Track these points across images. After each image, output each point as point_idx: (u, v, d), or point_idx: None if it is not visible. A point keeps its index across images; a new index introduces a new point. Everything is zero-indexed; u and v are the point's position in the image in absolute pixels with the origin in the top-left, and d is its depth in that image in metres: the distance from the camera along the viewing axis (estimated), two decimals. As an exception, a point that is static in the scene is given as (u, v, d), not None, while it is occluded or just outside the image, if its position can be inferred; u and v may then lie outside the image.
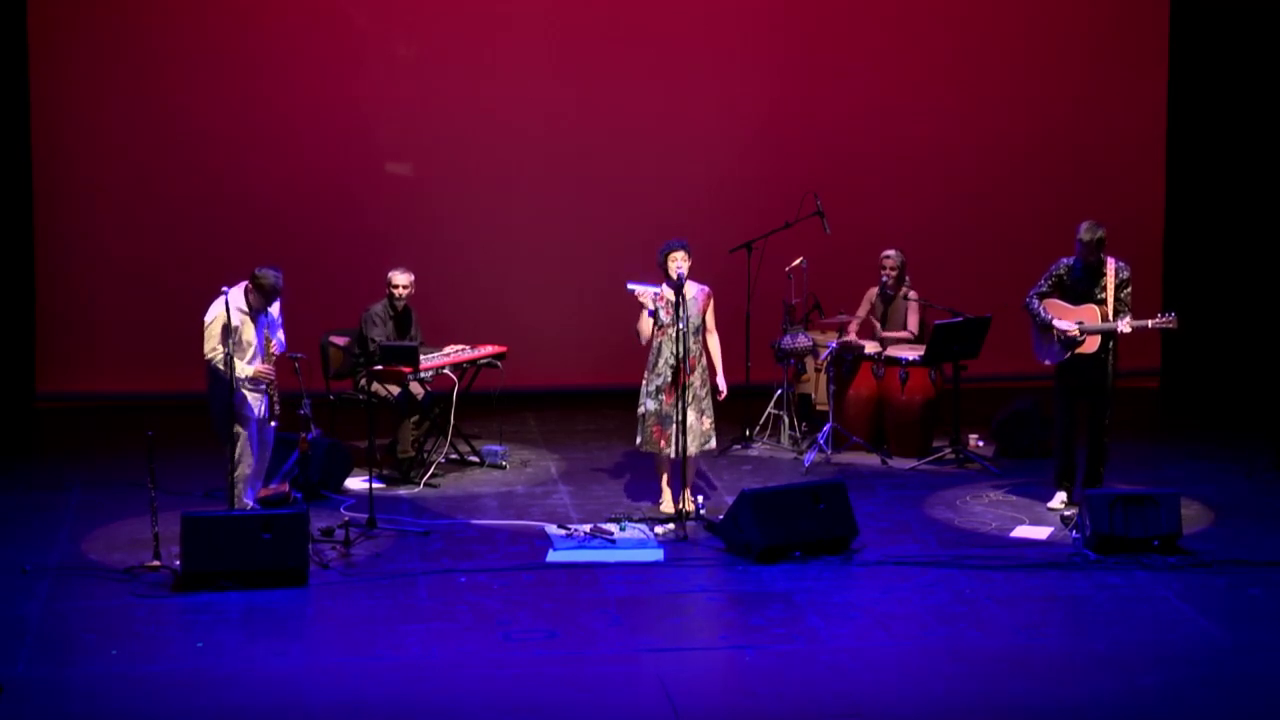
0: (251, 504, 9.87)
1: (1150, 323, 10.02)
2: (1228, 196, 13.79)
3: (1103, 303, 10.05)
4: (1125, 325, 9.97)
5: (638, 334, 10.11)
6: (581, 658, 8.09)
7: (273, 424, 9.84)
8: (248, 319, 9.69)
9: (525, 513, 10.39)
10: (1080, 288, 10.11)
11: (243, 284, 9.72)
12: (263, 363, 9.74)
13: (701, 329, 10.17)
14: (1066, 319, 10.09)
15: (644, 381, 10.19)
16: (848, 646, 8.21)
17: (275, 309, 9.88)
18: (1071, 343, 10.08)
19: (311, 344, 11.10)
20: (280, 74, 13.21)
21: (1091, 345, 10.07)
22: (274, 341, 9.80)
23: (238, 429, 9.73)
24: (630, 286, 10.03)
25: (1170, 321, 10.05)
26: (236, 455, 9.74)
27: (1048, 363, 10.26)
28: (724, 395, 10.27)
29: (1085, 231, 10.03)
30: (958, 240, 13.69)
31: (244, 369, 9.66)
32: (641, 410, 10.18)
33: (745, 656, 8.13)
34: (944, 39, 13.70)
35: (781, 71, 13.63)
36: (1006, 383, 12.96)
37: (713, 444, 10.32)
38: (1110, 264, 10.08)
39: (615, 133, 13.51)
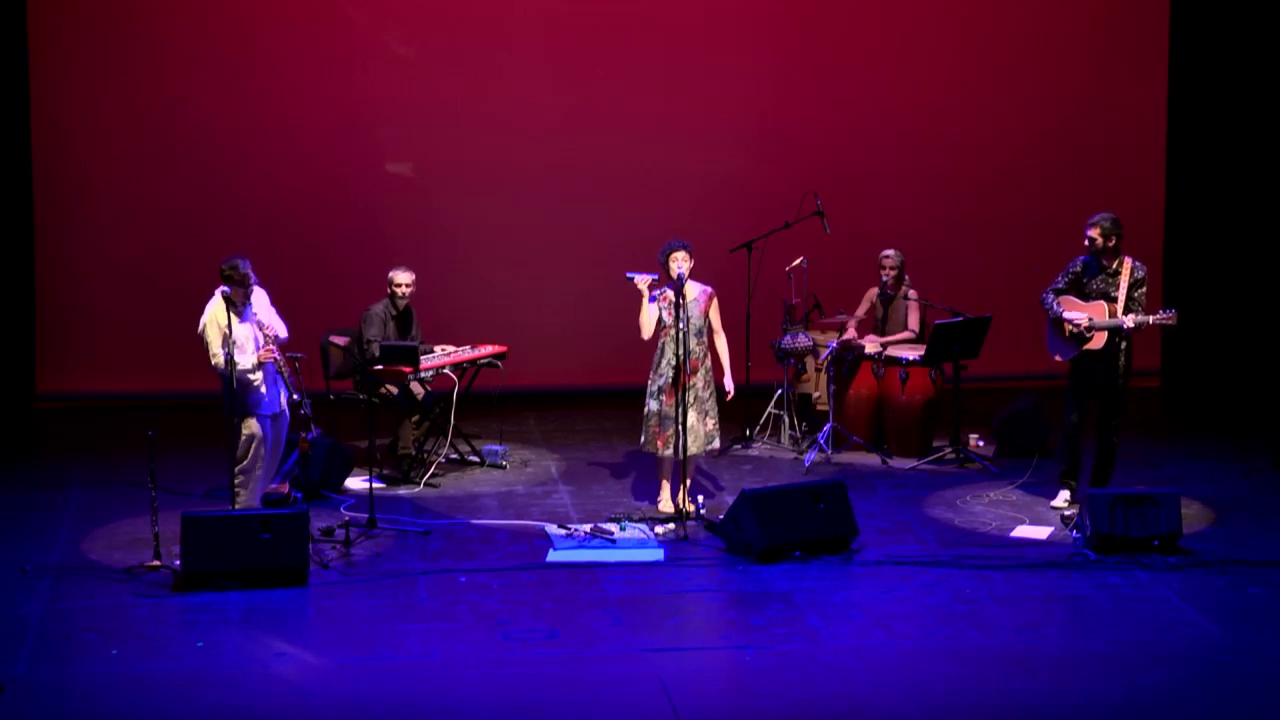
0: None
1: (1151, 319, 10.00)
2: (1228, 196, 13.79)
3: (1114, 300, 10.05)
4: (1130, 321, 9.96)
5: (640, 326, 10.11)
6: (581, 658, 8.09)
7: (295, 396, 9.78)
8: (234, 316, 9.68)
9: (525, 513, 10.39)
10: (1096, 285, 10.11)
11: (222, 287, 9.68)
12: (263, 350, 9.72)
13: (706, 330, 10.18)
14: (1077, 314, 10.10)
15: (649, 381, 10.21)
16: (848, 646, 8.21)
17: (260, 299, 9.85)
18: (1079, 338, 10.08)
19: (311, 344, 11.11)
20: (281, 74, 13.20)
21: (1098, 342, 10.05)
22: (267, 326, 9.77)
23: (251, 433, 9.73)
24: (629, 275, 10.04)
25: (1170, 318, 10.02)
26: (249, 459, 9.74)
27: (1059, 358, 10.25)
28: (730, 396, 10.28)
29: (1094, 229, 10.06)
30: (958, 240, 13.68)
31: (247, 360, 9.64)
32: (646, 410, 10.20)
33: (745, 656, 8.12)
34: (944, 39, 13.69)
35: (782, 71, 13.62)
36: (1006, 383, 12.96)
37: (716, 444, 10.33)
38: (1127, 262, 10.07)
39: (616, 132, 13.50)
